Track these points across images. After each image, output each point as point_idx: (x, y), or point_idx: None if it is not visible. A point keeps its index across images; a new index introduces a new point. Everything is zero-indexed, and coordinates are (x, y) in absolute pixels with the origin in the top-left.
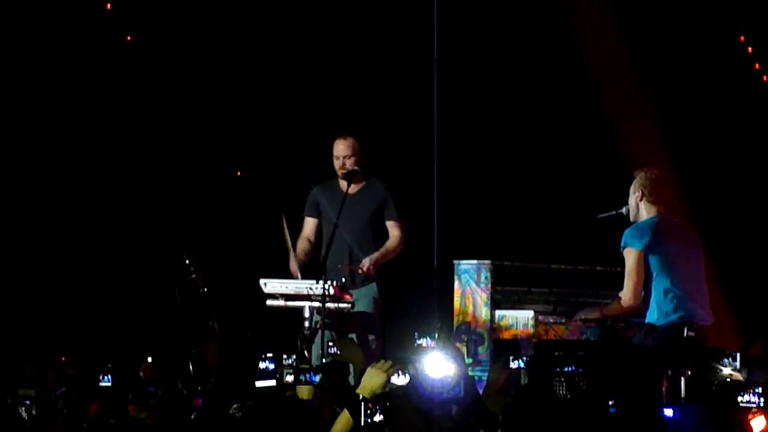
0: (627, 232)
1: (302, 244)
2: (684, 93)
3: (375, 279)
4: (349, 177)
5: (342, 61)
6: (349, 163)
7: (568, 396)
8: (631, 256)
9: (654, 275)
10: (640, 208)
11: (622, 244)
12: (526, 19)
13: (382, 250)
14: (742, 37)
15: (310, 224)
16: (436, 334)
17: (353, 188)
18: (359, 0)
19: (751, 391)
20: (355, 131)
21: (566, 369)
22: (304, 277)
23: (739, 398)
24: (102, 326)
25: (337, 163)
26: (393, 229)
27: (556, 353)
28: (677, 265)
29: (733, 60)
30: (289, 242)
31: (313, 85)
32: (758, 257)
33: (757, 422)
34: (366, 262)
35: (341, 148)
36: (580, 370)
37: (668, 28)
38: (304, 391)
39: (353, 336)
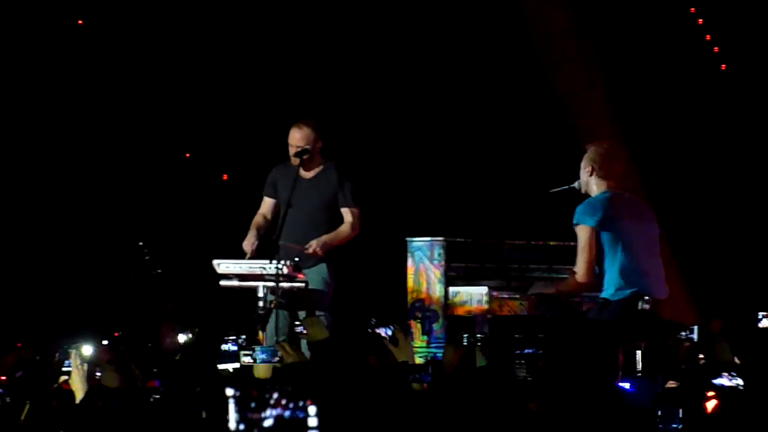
0: (579, 208)
1: (258, 219)
2: (635, 66)
3: (326, 260)
4: (300, 157)
5: (296, 42)
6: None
7: (529, 378)
8: (583, 232)
9: (607, 251)
10: (590, 182)
11: (574, 221)
12: None
13: (332, 234)
14: (693, 9)
15: (267, 203)
16: (393, 328)
17: (310, 173)
18: None
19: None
20: (311, 113)
21: (526, 351)
22: (257, 257)
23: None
24: (57, 310)
25: (291, 151)
26: (347, 215)
27: (516, 335)
28: (630, 240)
29: (684, 32)
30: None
31: (268, 65)
32: (713, 233)
33: (710, 404)
34: (313, 244)
35: (297, 137)
36: (541, 351)
37: (617, 1)
38: (261, 371)
39: (304, 314)
